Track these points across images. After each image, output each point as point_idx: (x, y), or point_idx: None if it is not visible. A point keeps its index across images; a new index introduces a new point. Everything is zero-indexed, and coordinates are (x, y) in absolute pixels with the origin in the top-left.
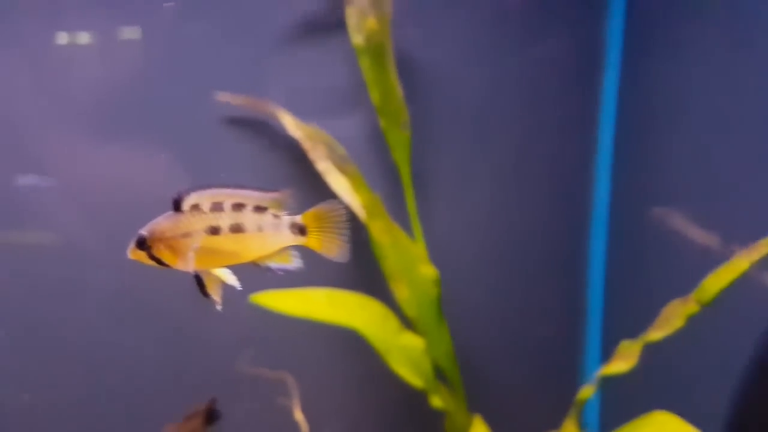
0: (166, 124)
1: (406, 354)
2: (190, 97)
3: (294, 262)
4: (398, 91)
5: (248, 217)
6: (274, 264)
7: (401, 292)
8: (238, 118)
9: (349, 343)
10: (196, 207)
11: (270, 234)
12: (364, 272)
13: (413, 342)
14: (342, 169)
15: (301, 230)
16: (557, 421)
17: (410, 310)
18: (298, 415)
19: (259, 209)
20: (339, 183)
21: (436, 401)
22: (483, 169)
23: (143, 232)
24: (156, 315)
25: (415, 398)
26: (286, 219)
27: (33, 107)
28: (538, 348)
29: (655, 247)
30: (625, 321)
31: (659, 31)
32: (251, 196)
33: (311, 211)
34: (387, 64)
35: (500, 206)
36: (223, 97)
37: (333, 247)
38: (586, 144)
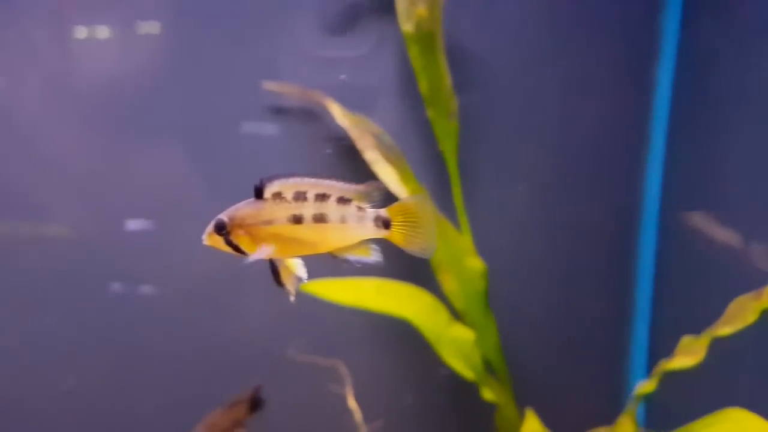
0: (212, 115)
1: (457, 345)
2: (236, 86)
3: (374, 255)
4: (447, 80)
5: (332, 208)
6: (352, 256)
7: (449, 284)
8: (285, 107)
9: (397, 334)
10: (278, 195)
11: (353, 226)
12: (410, 263)
13: (464, 334)
14: (389, 159)
15: (385, 224)
16: (604, 416)
17: (458, 302)
18: (352, 403)
19: (343, 200)
20: (386, 173)
21: (488, 394)
22: (531, 163)
23: (223, 217)
24: (204, 302)
25: (463, 392)
26: (371, 212)
27: (73, 102)
28: (584, 343)
29: (705, 246)
30: (674, 317)
31: (716, 26)
32: (335, 187)
33: (397, 204)
34: (436, 52)
35: (548, 200)
36: (270, 86)
37: (418, 242)
38: (637, 141)
